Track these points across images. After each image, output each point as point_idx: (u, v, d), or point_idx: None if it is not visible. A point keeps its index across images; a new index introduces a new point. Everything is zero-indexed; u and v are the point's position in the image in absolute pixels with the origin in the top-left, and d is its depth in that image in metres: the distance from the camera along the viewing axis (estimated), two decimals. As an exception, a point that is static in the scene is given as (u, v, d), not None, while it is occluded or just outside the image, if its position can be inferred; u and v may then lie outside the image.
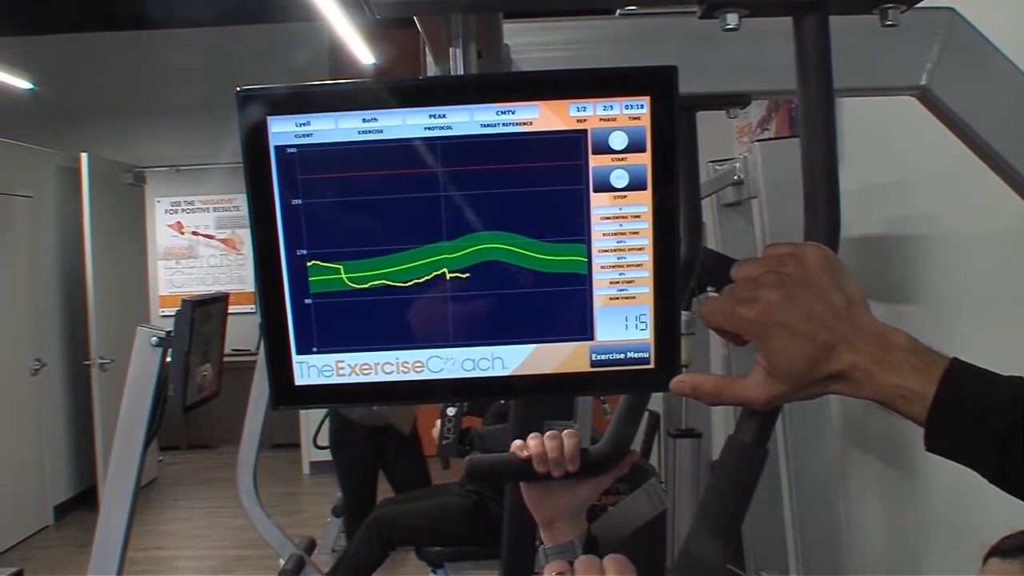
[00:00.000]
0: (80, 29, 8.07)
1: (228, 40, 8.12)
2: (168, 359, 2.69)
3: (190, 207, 9.60)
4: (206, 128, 8.21)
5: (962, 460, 0.75)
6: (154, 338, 2.66)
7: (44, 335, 7.20)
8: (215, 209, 9.57)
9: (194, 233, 9.65)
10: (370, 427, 4.97)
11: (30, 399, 6.97)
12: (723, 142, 4.11)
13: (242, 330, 7.28)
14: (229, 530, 6.66)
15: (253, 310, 8.28)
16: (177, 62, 7.87)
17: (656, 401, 4.02)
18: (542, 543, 1.38)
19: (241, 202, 9.31)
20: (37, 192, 7.13)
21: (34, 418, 7.02)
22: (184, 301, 2.72)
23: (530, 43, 1.18)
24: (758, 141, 2.51)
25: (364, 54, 7.14)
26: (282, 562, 3.31)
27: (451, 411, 3.65)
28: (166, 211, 9.60)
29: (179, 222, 9.62)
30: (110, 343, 6.82)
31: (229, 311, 3.17)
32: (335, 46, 7.46)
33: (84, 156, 6.92)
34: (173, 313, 2.73)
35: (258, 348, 4.55)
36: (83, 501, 7.37)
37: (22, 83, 7.62)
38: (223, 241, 9.62)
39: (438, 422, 3.71)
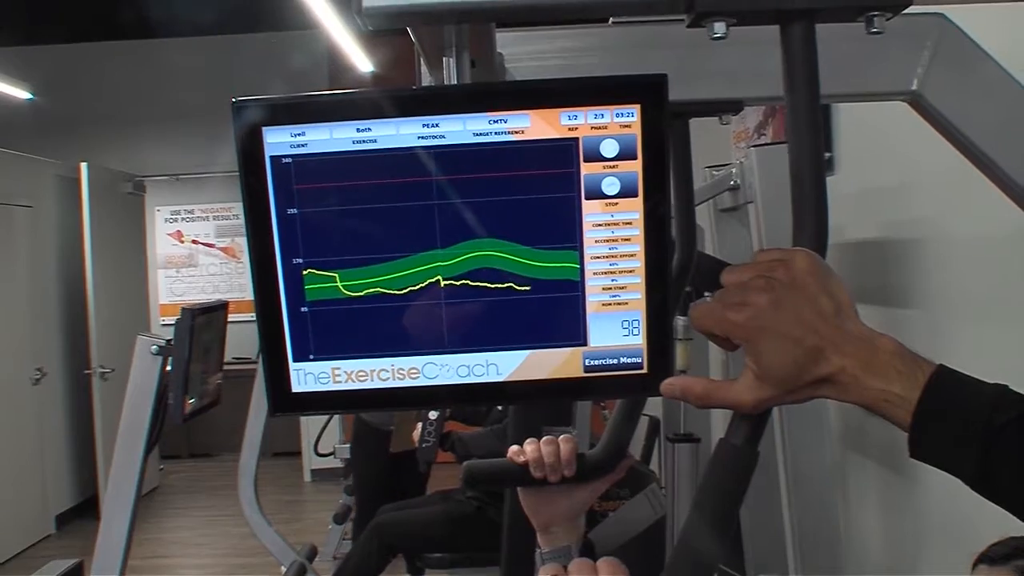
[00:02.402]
0: (79, 39, 8.09)
1: (227, 49, 8.14)
2: (168, 368, 2.70)
3: (190, 216, 9.61)
4: (206, 137, 8.22)
5: (944, 466, 0.76)
6: (154, 347, 2.66)
7: (45, 344, 7.21)
8: (215, 218, 9.59)
9: (194, 242, 9.66)
10: (383, 431, 4.95)
11: (31, 408, 6.98)
12: (720, 147, 4.12)
13: (243, 338, 7.26)
14: (231, 538, 6.66)
15: (253, 318, 8.28)
16: (176, 71, 7.90)
17: (656, 407, 4.03)
18: (540, 549, 1.39)
19: (241, 211, 9.30)
20: (37, 202, 7.14)
21: (35, 427, 7.03)
22: (184, 309, 2.72)
23: (524, 52, 1.19)
24: (754, 146, 2.52)
25: (362, 61, 7.16)
26: (284, 569, 3.31)
27: (433, 415, 3.64)
28: (166, 220, 9.60)
29: (179, 231, 9.63)
30: (110, 352, 6.83)
31: (229, 319, 3.18)
32: (333, 54, 7.48)
33: (84, 166, 6.94)
34: (173, 322, 2.74)
35: (258, 356, 4.56)
36: (85, 510, 7.37)
37: (21, 93, 7.63)
38: (223, 250, 9.62)
39: (419, 425, 3.71)
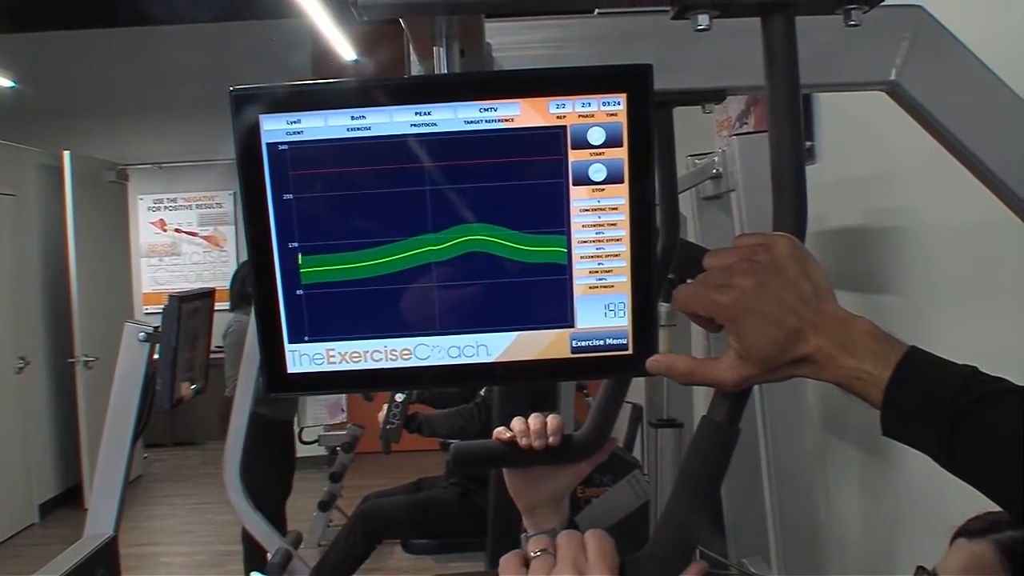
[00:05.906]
0: (62, 27, 8.05)
1: (211, 38, 8.12)
2: (156, 355, 2.71)
3: (173, 204, 9.56)
4: (189, 126, 8.23)
5: (913, 443, 0.79)
6: (142, 334, 2.67)
7: (28, 333, 7.19)
8: (198, 206, 9.54)
9: (177, 230, 9.61)
10: (279, 422, 4.92)
11: (14, 398, 6.96)
12: (703, 136, 4.15)
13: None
14: (216, 525, 6.68)
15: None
16: (160, 60, 7.87)
17: (639, 394, 4.06)
18: (526, 532, 1.41)
19: (223, 199, 9.29)
20: (20, 190, 7.12)
21: (18, 416, 7.01)
22: (171, 296, 2.73)
23: (512, 42, 1.21)
24: (736, 135, 2.55)
25: (346, 51, 7.16)
26: (269, 556, 3.33)
27: (399, 397, 3.65)
28: (149, 208, 9.55)
29: (162, 219, 9.58)
30: (94, 341, 6.83)
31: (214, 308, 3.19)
32: (317, 43, 7.47)
33: (67, 154, 6.92)
34: (157, 310, 2.74)
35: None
36: (68, 499, 7.37)
37: (3, 81, 7.60)
38: (206, 238, 9.59)
39: (385, 406, 3.73)
